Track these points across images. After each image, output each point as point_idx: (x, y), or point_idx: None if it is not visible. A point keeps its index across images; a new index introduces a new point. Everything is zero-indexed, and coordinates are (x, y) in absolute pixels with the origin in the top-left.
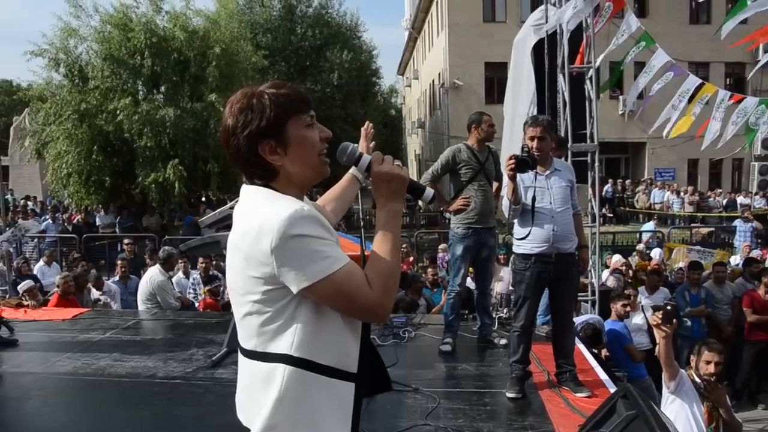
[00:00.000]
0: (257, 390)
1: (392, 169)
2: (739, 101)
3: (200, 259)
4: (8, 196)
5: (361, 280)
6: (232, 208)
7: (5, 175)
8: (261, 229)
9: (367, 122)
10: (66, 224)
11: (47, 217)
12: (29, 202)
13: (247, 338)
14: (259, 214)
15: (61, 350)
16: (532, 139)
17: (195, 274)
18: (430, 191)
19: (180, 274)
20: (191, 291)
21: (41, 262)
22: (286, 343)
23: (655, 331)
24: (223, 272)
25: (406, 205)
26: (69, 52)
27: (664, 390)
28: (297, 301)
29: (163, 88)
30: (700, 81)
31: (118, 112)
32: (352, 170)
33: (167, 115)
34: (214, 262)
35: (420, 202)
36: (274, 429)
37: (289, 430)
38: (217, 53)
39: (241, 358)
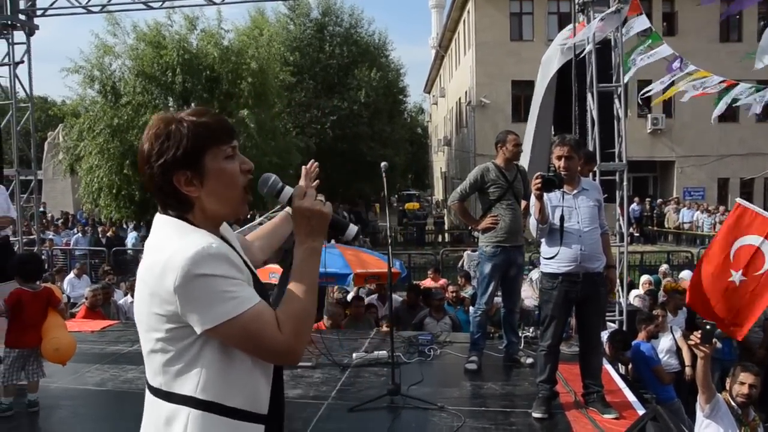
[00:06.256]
0: (160, 430)
1: (313, 204)
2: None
3: None
4: (42, 210)
5: (270, 322)
6: (261, 223)
7: (39, 189)
8: (166, 265)
9: (311, 161)
10: (100, 237)
11: (77, 230)
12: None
13: (152, 375)
14: (166, 249)
15: (90, 362)
16: (559, 158)
17: None
18: (353, 228)
19: None
20: None
21: (71, 275)
22: (191, 384)
23: (688, 353)
24: None
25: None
26: (104, 68)
27: (699, 413)
28: (203, 341)
29: (193, 105)
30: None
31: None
32: (288, 208)
33: None
34: None
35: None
36: None
37: None
38: (253, 68)
39: (147, 393)
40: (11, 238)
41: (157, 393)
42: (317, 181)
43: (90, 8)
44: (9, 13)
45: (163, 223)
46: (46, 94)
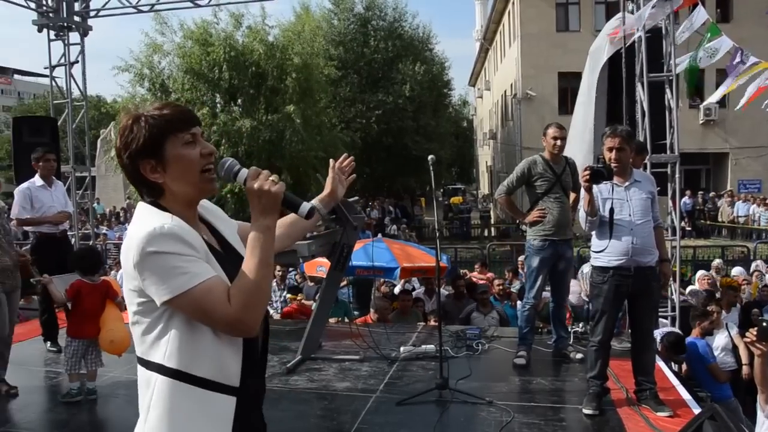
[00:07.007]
0: (141, 396)
1: (262, 185)
2: None
3: (276, 267)
4: (95, 205)
5: (220, 295)
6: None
7: (92, 185)
8: (128, 246)
9: (344, 155)
10: None
11: (128, 225)
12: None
13: (137, 345)
14: (131, 231)
15: None
16: (610, 149)
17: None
18: (306, 205)
19: None
20: None
21: None
22: (161, 353)
23: (745, 351)
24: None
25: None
26: (153, 67)
27: (759, 413)
28: (169, 313)
29: (240, 101)
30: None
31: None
32: (314, 201)
33: (243, 127)
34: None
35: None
36: None
37: None
38: (297, 64)
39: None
40: (68, 233)
41: (140, 361)
42: (353, 175)
43: (140, 8)
44: (65, 15)
45: (138, 209)
46: (99, 92)
